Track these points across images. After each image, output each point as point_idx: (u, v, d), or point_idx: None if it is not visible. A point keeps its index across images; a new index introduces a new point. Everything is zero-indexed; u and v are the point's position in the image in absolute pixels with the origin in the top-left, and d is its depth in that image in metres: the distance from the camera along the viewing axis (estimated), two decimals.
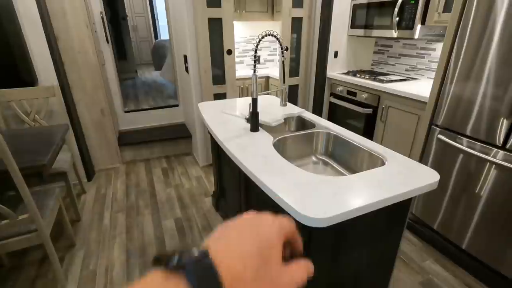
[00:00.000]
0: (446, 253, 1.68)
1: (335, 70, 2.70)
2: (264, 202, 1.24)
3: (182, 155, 3.09)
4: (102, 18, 2.69)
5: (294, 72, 2.87)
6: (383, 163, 1.08)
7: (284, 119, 1.59)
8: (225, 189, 1.89)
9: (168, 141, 3.03)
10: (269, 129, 1.47)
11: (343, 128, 1.40)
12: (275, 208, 1.05)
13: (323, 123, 1.47)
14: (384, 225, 1.03)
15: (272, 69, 3.40)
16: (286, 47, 2.70)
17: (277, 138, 1.31)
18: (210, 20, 2.29)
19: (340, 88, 2.53)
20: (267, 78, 3.19)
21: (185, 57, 2.49)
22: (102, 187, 2.47)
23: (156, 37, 6.60)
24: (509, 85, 1.27)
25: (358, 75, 2.42)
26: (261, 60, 3.51)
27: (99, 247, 1.80)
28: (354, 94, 2.38)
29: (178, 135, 3.06)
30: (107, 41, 2.78)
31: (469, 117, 1.45)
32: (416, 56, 2.37)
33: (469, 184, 1.50)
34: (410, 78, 2.36)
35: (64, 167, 1.88)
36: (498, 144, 1.35)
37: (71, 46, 2.26)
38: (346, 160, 1.32)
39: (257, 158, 1.10)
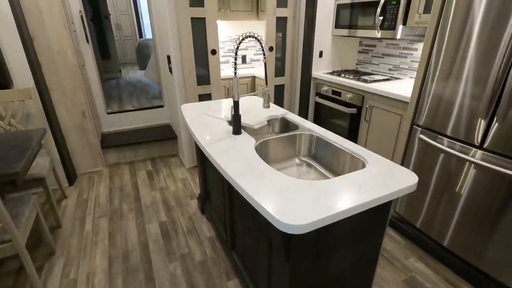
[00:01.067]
0: (429, 250, 1.72)
1: (320, 70, 2.70)
2: (246, 207, 1.23)
3: (168, 156, 3.04)
4: (81, 17, 2.61)
5: (280, 72, 2.86)
6: (364, 166, 1.08)
7: (268, 121, 1.58)
8: (210, 192, 1.87)
9: (153, 142, 2.98)
10: (252, 131, 1.46)
11: (326, 130, 1.39)
12: (255, 213, 1.03)
13: (307, 125, 1.47)
14: (366, 226, 1.03)
15: (258, 68, 3.38)
16: (271, 47, 2.68)
17: (260, 141, 1.30)
18: (193, 19, 2.25)
19: (325, 88, 2.54)
20: (253, 78, 3.18)
21: (169, 57, 2.45)
22: (84, 191, 2.40)
23: (140, 35, 6.47)
24: (487, 85, 1.29)
25: (343, 75, 2.43)
26: (247, 60, 3.49)
27: (80, 254, 1.74)
28: (339, 94, 2.39)
29: (164, 136, 3.00)
30: (87, 41, 2.70)
31: (449, 117, 1.48)
32: (399, 56, 2.40)
33: (449, 183, 1.53)
34: (394, 77, 2.38)
35: (42, 173, 1.81)
36: (476, 144, 1.38)
37: (48, 46, 2.18)
38: (329, 162, 1.32)
39: (237, 162, 1.08)
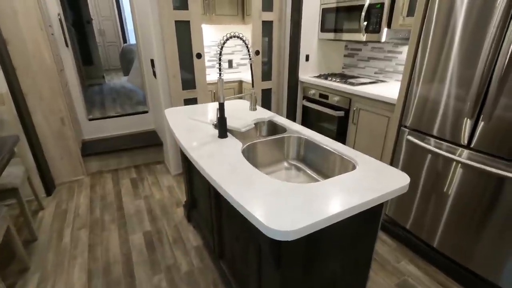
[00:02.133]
0: (419, 252, 1.70)
1: (307, 74, 2.70)
2: (234, 213, 1.17)
3: (153, 163, 2.95)
4: (60, 20, 2.51)
5: (267, 75, 2.84)
6: (354, 167, 1.06)
7: (255, 124, 1.54)
8: (197, 199, 1.80)
9: (138, 149, 2.88)
10: (239, 134, 1.41)
11: (315, 132, 1.36)
12: (243, 220, 0.98)
13: (295, 127, 1.43)
14: (358, 230, 1.00)
15: (245, 73, 3.36)
16: (257, 51, 2.67)
17: (247, 144, 1.25)
18: (177, 22, 2.20)
19: (312, 91, 2.53)
20: (240, 82, 3.15)
21: (152, 61, 2.38)
22: (63, 202, 2.28)
23: (125, 41, 6.35)
24: (471, 86, 1.30)
25: (330, 78, 2.44)
26: (234, 64, 3.46)
27: (57, 269, 1.63)
28: (326, 97, 2.38)
29: (148, 142, 2.91)
30: (67, 45, 2.60)
31: (435, 118, 1.48)
32: (384, 59, 2.42)
33: (438, 183, 1.53)
34: (380, 80, 2.40)
35: (15, 182, 1.70)
36: (463, 144, 1.39)
37: (23, 50, 2.07)
38: (318, 164, 1.29)
39: (223, 166, 1.03)
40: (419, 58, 1.51)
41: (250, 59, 1.30)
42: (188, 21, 2.24)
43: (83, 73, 4.53)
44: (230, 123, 1.41)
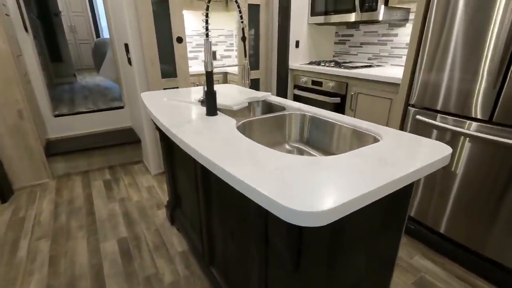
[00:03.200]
0: (431, 244, 1.54)
1: (297, 61, 2.53)
2: (229, 203, 0.94)
3: (130, 164, 2.65)
4: (18, 1, 2.19)
5: (254, 65, 2.64)
6: (377, 141, 0.86)
7: (248, 103, 1.33)
8: (181, 197, 1.55)
9: (112, 148, 2.57)
10: (231, 114, 1.19)
11: (318, 108, 1.17)
12: (242, 209, 0.76)
13: (294, 105, 1.23)
14: (385, 217, 0.80)
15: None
16: (244, 37, 2.46)
17: (242, 122, 1.03)
18: (154, 3, 1.96)
19: (304, 79, 2.36)
20: (225, 74, 2.93)
21: (126, 46, 2.12)
22: (21, 209, 1.94)
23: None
24: (494, 54, 1.16)
25: (323, 64, 2.27)
26: (218, 56, 3.24)
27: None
28: (320, 84, 2.21)
29: (124, 140, 2.61)
30: (26, 30, 2.28)
31: (450, 94, 1.33)
32: (378, 43, 2.30)
33: (449, 164, 1.37)
34: (375, 65, 2.27)
35: None
36: (474, 117, 1.24)
37: None
38: (327, 145, 1.09)
39: (216, 143, 0.80)
40: (431, 26, 1.35)
41: (242, 21, 1.10)
42: (167, 1, 2.01)
43: (50, 70, 4.13)
44: (221, 101, 1.19)
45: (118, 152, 2.62)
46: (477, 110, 1.24)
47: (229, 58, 3.30)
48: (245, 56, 1.16)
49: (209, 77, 1.02)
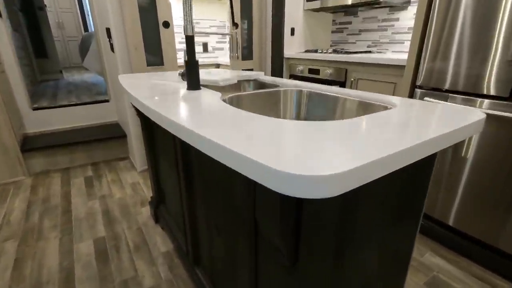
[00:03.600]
0: (441, 240, 1.40)
1: (292, 50, 2.39)
2: (212, 188, 0.79)
3: (115, 160, 2.47)
4: None
5: (247, 54, 2.50)
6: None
7: (238, 81, 1.18)
8: (164, 191, 1.39)
9: (96, 143, 2.40)
10: (217, 90, 1.04)
11: (317, 84, 1.03)
12: (227, 192, 0.60)
13: (290, 83, 1.09)
14: (402, 196, 0.65)
15: (222, 57, 3.00)
16: (236, 23, 2.32)
17: (229, 96, 0.88)
18: None
19: (300, 67, 2.22)
20: (217, 65, 2.78)
21: (108, 30, 1.96)
22: None
23: None
24: (495, 27, 1.03)
25: (320, 51, 2.14)
26: (209, 48, 3.10)
27: None
28: (317, 71, 2.07)
29: (109, 135, 2.44)
30: (0, 15, 2.11)
31: (459, 73, 1.20)
32: (378, 30, 2.17)
33: (459, 149, 1.23)
34: (375, 52, 2.14)
35: None
36: (487, 94, 1.11)
37: None
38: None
39: (198, 115, 0.65)
40: (436, 9, 1.23)
41: None
42: None
43: (34, 65, 3.94)
44: (206, 78, 1.04)
45: (102, 148, 2.44)
46: (490, 87, 1.11)
47: (221, 51, 3.16)
48: (233, 24, 1.01)
49: (189, 44, 0.87)
